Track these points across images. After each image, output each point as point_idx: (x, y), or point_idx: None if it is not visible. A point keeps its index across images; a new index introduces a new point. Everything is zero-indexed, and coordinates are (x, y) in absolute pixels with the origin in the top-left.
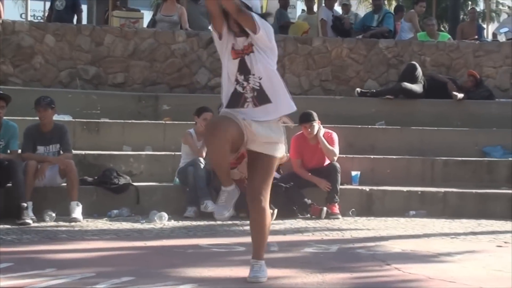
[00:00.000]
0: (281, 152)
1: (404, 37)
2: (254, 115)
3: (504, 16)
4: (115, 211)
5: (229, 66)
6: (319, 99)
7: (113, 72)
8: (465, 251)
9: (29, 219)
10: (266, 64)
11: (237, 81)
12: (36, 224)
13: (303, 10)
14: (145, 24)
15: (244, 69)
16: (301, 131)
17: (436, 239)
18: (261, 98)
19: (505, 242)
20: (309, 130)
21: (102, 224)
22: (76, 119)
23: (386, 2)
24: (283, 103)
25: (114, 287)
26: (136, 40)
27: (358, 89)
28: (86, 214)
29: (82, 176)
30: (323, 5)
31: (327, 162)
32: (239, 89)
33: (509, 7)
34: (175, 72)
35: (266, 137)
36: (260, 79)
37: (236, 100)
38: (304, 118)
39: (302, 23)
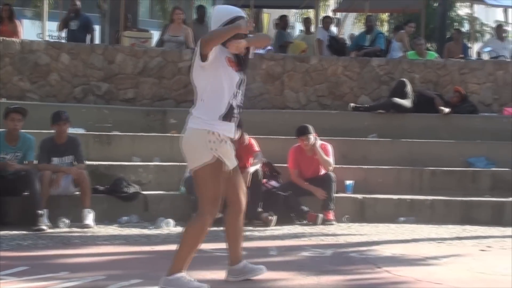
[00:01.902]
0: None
1: (395, 55)
2: (231, 132)
3: (487, 36)
4: (125, 218)
5: (232, 77)
6: (315, 114)
7: (124, 88)
8: (450, 254)
9: (44, 225)
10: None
11: (234, 94)
12: (51, 230)
13: (301, 30)
14: (153, 44)
15: (240, 84)
16: (298, 144)
17: (424, 243)
18: (239, 117)
19: (488, 247)
20: (306, 142)
21: (112, 230)
22: (89, 132)
23: (378, 23)
24: None
25: None
26: (145, 58)
27: (352, 104)
28: (98, 220)
29: (94, 185)
30: (320, 26)
31: (322, 172)
32: (232, 102)
33: (492, 28)
34: (181, 88)
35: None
36: (242, 97)
37: (230, 113)
38: (300, 132)
39: (300, 43)
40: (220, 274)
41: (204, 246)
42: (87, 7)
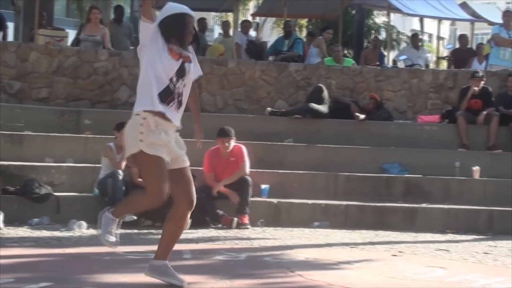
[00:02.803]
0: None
1: (312, 61)
2: (174, 117)
3: (403, 45)
4: (36, 220)
5: (169, 65)
6: (232, 117)
7: (37, 87)
8: (363, 259)
9: None
10: (191, 79)
11: (171, 80)
12: None
13: (220, 33)
14: (69, 43)
15: (180, 73)
16: (215, 147)
17: (337, 248)
18: (180, 104)
19: (400, 252)
20: (226, 144)
21: (22, 232)
22: (0, 131)
23: (296, 28)
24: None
25: None
26: (60, 57)
27: (269, 109)
28: (8, 222)
29: (5, 185)
30: (239, 29)
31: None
32: (171, 87)
33: (408, 36)
34: (97, 88)
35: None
36: (184, 86)
37: (166, 96)
38: (223, 133)
39: (219, 46)
40: (132, 277)
41: (117, 249)
42: (0, 3)
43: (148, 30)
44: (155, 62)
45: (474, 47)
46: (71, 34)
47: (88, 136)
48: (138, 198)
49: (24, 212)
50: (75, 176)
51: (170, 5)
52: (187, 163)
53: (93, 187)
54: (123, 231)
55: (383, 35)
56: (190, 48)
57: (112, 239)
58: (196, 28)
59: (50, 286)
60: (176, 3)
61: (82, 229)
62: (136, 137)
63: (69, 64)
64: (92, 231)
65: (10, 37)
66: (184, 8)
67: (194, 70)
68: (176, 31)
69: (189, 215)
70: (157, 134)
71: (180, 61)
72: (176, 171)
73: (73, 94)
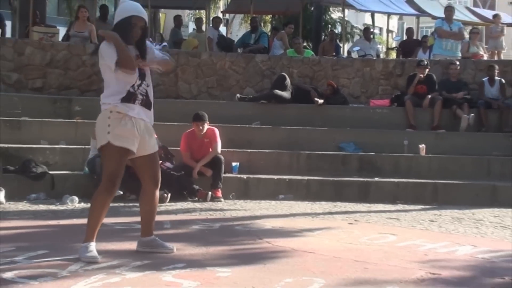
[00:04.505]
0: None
1: (276, 53)
2: (135, 112)
3: (357, 37)
4: (33, 195)
5: (129, 77)
6: (206, 103)
7: (32, 78)
8: (323, 227)
9: None
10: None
11: (132, 86)
12: None
13: (194, 29)
14: (60, 38)
15: (141, 77)
16: (191, 129)
17: (300, 218)
18: (148, 101)
19: (355, 220)
20: (201, 127)
21: (22, 206)
22: (0, 118)
23: (262, 24)
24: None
25: (31, 259)
26: (52, 51)
27: (238, 95)
28: (9, 197)
29: (5, 165)
30: (210, 25)
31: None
32: (134, 90)
33: (360, 30)
34: (85, 79)
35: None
36: (148, 86)
37: (129, 97)
38: (197, 117)
39: (193, 40)
40: (119, 245)
41: (105, 220)
42: None
43: (113, 55)
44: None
45: (419, 38)
46: (62, 31)
47: (78, 121)
48: (94, 198)
49: (23, 188)
50: (67, 156)
51: (120, 7)
52: (155, 148)
53: (84, 166)
54: (111, 204)
55: (338, 29)
56: (148, 43)
57: (92, 253)
58: (147, 24)
59: (46, 253)
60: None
61: (75, 203)
62: (105, 129)
63: (60, 57)
64: (83, 205)
65: (8, 34)
66: (131, 9)
67: (158, 59)
68: (124, 36)
69: (157, 193)
70: (124, 124)
71: (137, 70)
72: (144, 158)
73: (65, 84)
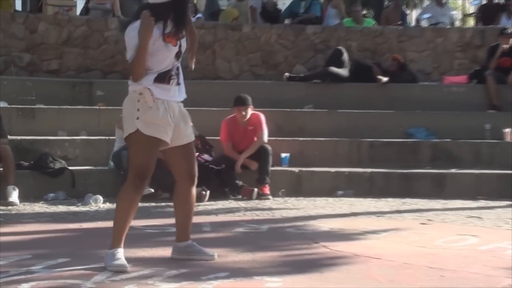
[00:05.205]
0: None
1: (331, 23)
2: (169, 94)
3: (426, 3)
4: (51, 195)
5: (168, 55)
6: (249, 84)
7: (47, 59)
8: (390, 228)
9: None
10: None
11: (172, 64)
12: None
13: None
14: (78, 12)
15: (177, 55)
16: (232, 115)
17: (363, 217)
18: (179, 77)
19: (428, 220)
20: (243, 113)
21: (38, 207)
22: (12, 106)
23: None
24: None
25: (50, 268)
26: (69, 27)
27: (287, 74)
28: (23, 198)
29: (18, 161)
30: None
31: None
32: (169, 68)
33: None
34: (108, 58)
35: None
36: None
37: (164, 76)
38: (240, 101)
39: (232, 10)
40: (151, 252)
41: (134, 223)
42: None
43: (135, 40)
44: (151, 57)
45: (502, 1)
46: (80, 3)
47: (101, 107)
48: (119, 197)
49: (39, 187)
50: (89, 149)
51: None
52: (191, 138)
53: (108, 160)
54: (140, 204)
55: None
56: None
57: (120, 261)
58: None
59: (68, 262)
60: None
61: (99, 204)
62: (133, 114)
63: (78, 34)
64: (108, 205)
65: (18, 7)
66: None
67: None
68: (174, 13)
69: (194, 190)
70: (155, 109)
71: (178, 44)
72: (179, 149)
73: (84, 65)
